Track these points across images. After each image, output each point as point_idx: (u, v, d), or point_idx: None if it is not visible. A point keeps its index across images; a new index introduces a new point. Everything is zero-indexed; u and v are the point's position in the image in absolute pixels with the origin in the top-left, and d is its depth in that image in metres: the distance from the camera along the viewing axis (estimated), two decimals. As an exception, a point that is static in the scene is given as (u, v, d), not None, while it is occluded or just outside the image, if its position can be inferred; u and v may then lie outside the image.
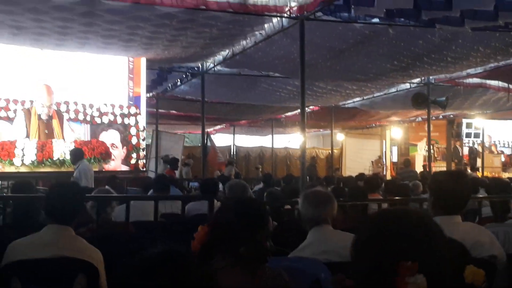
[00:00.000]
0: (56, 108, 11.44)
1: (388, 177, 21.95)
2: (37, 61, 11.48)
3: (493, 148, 24.64)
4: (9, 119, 11.11)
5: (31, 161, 10.65)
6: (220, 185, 7.50)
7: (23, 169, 10.52)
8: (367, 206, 5.45)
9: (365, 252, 1.26)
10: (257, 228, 2.27)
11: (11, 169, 10.56)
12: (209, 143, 18.83)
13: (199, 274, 1.18)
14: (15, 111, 11.10)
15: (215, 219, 2.29)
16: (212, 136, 22.75)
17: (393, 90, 15.01)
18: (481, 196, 6.62)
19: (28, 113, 11.09)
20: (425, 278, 1.12)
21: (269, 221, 2.38)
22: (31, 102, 11.22)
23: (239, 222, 2.25)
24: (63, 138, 11.27)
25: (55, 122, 11.31)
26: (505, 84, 13.42)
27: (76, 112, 11.77)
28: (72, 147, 10.80)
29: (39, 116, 11.12)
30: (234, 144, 25.94)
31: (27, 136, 10.93)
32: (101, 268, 3.22)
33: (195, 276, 1.16)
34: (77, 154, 9.46)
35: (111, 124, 12.18)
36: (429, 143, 14.97)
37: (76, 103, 11.81)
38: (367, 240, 1.28)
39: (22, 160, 10.61)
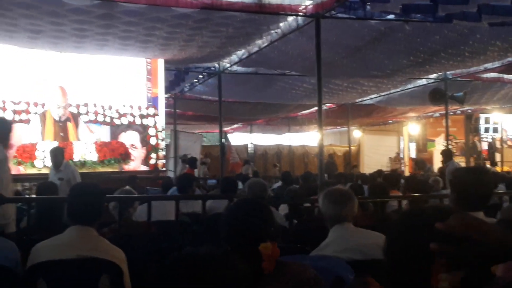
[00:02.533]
0: (71, 111, 11.57)
1: (407, 173, 21.83)
2: (56, 65, 11.60)
3: (509, 143, 24.37)
4: (29, 122, 11.25)
5: (52, 162, 10.79)
6: (240, 184, 7.55)
7: (44, 171, 10.66)
8: (387, 203, 5.44)
9: (398, 251, 1.26)
10: None
11: (33, 171, 10.71)
12: (225, 142, 18.88)
13: (243, 276, 1.21)
14: (34, 113, 11.24)
15: (274, 234, 2.31)
16: (229, 135, 22.80)
17: (410, 86, 14.92)
18: (502, 191, 6.58)
19: (43, 116, 11.23)
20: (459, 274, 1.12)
21: None
22: (45, 105, 11.35)
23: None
24: (78, 140, 11.40)
25: (70, 125, 11.45)
26: (524, 79, 13.30)
27: (96, 113, 11.89)
28: (93, 148, 10.90)
29: (54, 119, 11.25)
30: (251, 143, 25.98)
31: (42, 139, 11.06)
32: (124, 267, 3.24)
33: (239, 277, 1.19)
34: (63, 153, 8.30)
35: (130, 125, 12.29)
36: (447, 139, 14.88)
37: (95, 105, 11.93)
38: (399, 239, 1.28)
39: (43, 162, 10.74)
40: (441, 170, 13.99)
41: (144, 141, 12.39)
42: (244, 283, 1.20)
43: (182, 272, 1.15)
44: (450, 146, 16.05)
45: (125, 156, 11.80)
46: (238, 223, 2.27)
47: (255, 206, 2.37)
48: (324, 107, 16.63)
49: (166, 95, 14.99)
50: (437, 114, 20.99)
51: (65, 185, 7.32)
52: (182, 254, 1.23)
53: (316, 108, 9.55)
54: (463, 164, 19.76)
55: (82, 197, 3.38)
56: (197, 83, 14.55)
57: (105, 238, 3.41)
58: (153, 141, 12.48)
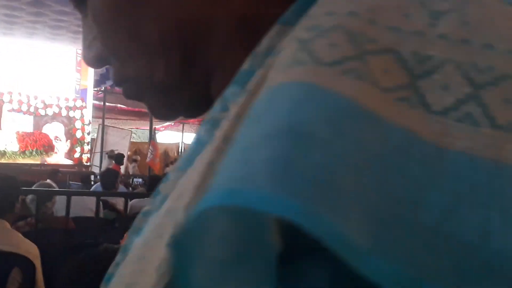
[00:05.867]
0: (-4, 99, 11.16)
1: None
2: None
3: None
4: None
5: (-30, 151, 10.38)
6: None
7: (-40, 160, 10.26)
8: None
9: None
10: None
11: None
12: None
13: None
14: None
15: None
16: (160, 133, 22.51)
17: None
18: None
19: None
20: None
21: None
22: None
23: None
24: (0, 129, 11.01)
25: (-8, 113, 11.03)
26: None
27: (20, 102, 11.46)
28: (14, 138, 10.54)
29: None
30: (182, 142, 25.81)
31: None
32: (37, 263, 3.19)
33: None
34: None
35: (56, 117, 11.92)
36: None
37: (20, 94, 11.50)
38: None
39: (-39, 150, 10.33)
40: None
41: (69, 133, 12.06)
42: None
43: (94, 266, 1.15)
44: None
45: (48, 148, 11.46)
46: None
47: None
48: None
49: (96, 89, 14.69)
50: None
51: None
52: (96, 249, 1.23)
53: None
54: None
55: (-5, 189, 3.28)
56: (130, 78, 14.34)
57: (20, 232, 3.33)
58: (78, 134, 12.17)
